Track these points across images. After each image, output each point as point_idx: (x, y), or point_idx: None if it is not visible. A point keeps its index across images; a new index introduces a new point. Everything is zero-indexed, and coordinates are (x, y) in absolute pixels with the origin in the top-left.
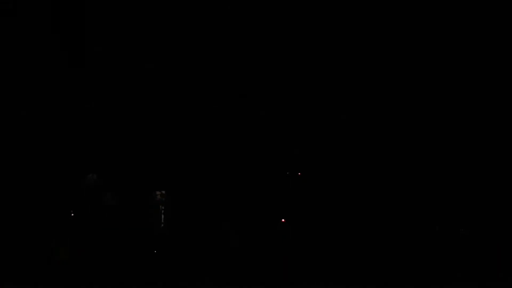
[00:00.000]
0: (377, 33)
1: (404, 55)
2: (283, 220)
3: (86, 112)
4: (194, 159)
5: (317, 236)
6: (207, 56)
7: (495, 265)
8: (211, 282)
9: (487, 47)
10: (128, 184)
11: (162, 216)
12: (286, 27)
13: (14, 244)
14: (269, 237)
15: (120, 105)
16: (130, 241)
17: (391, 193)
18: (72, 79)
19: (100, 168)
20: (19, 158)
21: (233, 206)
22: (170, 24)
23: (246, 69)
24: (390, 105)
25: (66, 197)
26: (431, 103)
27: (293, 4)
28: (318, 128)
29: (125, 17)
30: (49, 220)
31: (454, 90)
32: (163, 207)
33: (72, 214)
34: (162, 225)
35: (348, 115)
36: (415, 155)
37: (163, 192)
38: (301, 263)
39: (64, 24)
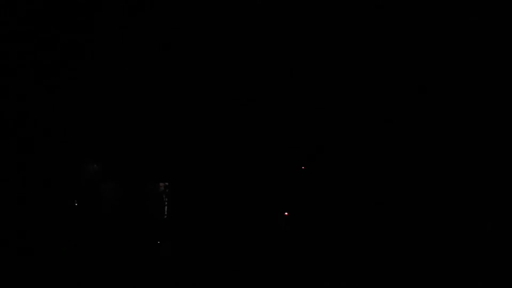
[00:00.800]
0: (378, 34)
1: (404, 55)
2: (286, 213)
3: (87, 103)
4: (198, 151)
5: (319, 233)
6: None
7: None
8: (214, 275)
9: (487, 47)
10: (131, 175)
11: (166, 208)
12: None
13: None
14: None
15: (124, 94)
16: (132, 233)
17: (394, 191)
18: (71, 71)
19: (100, 159)
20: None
21: (236, 199)
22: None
23: (246, 63)
24: (392, 103)
25: (67, 190)
26: (433, 101)
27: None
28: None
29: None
30: (49, 215)
31: (454, 90)
32: (166, 199)
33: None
34: (165, 216)
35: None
36: (417, 151)
37: (167, 183)
38: (301, 262)
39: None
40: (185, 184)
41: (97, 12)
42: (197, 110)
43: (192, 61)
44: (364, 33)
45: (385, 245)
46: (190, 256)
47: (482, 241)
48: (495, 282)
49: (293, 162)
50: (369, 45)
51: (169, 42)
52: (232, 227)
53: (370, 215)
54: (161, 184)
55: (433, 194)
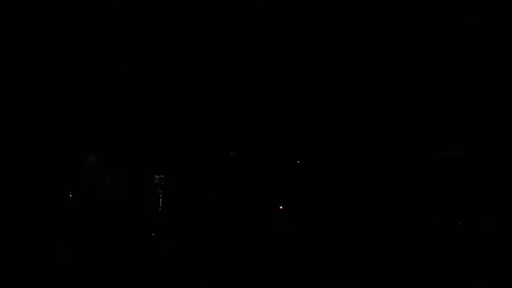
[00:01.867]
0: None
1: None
2: (281, 207)
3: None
4: (198, 151)
5: (316, 231)
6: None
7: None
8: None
9: (487, 47)
10: (130, 175)
11: (160, 200)
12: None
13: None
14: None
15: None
16: (129, 226)
17: (391, 188)
18: (71, 68)
19: (100, 158)
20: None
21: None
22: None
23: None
24: (390, 102)
25: (67, 190)
26: (429, 100)
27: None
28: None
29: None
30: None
31: (454, 90)
32: (161, 191)
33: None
34: (160, 208)
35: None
36: (417, 151)
37: (162, 176)
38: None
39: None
40: (186, 183)
41: (97, 12)
42: (197, 110)
43: (192, 61)
44: (364, 33)
45: (385, 246)
46: (189, 254)
47: (482, 241)
48: (495, 282)
49: (293, 162)
50: (369, 45)
51: (169, 42)
52: (231, 228)
53: (370, 215)
54: (157, 176)
55: (432, 193)
